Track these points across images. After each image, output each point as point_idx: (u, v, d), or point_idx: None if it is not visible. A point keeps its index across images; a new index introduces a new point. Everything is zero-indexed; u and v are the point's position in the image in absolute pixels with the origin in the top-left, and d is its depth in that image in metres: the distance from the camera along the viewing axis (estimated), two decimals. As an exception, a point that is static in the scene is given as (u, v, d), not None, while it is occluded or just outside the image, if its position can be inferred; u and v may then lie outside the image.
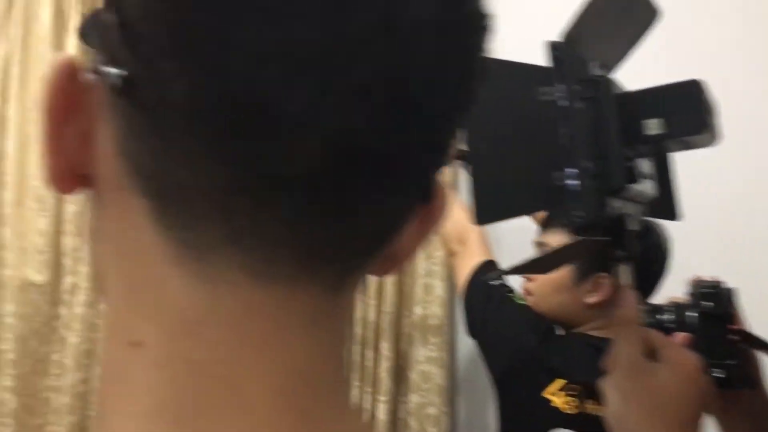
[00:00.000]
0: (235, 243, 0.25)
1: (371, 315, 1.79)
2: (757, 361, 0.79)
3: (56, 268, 1.84)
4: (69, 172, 0.28)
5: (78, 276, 1.79)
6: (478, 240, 1.49)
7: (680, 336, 0.78)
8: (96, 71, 0.26)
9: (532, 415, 1.24)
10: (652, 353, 0.62)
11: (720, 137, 0.58)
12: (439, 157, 0.29)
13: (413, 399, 1.77)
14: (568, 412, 1.18)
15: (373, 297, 1.79)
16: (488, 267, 1.43)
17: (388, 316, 1.77)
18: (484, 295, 1.39)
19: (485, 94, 0.29)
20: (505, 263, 1.46)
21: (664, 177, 0.64)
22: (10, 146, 1.87)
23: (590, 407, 1.16)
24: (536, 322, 1.31)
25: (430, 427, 1.73)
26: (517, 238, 1.37)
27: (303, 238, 0.26)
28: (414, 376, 1.78)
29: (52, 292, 1.83)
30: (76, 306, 1.77)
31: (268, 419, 0.25)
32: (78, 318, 1.75)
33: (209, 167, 0.24)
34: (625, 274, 0.64)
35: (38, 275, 1.83)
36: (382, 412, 1.74)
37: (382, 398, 1.75)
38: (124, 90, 0.24)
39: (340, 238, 0.27)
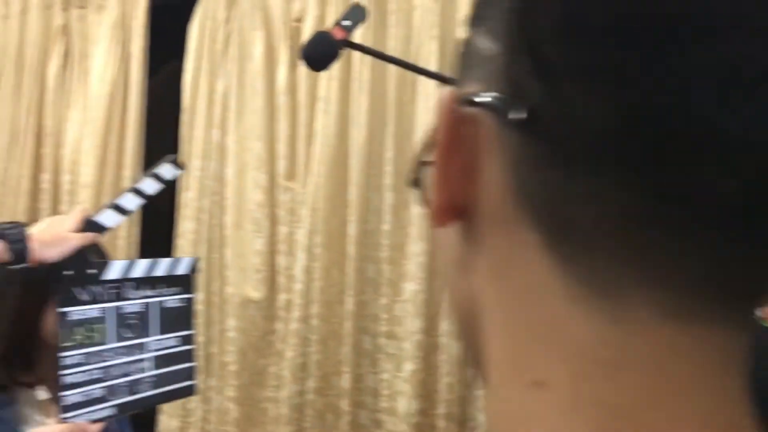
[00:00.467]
0: (650, 281, 0.23)
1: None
2: None
3: (271, 285, 1.96)
4: (450, 206, 0.27)
5: (292, 293, 1.90)
6: None
7: None
8: (483, 104, 0.25)
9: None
10: None
11: None
12: None
13: None
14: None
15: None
16: None
17: None
18: None
19: None
20: None
21: None
22: (230, 173, 2.04)
23: None
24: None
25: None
26: None
27: (726, 273, 0.23)
28: None
29: (268, 308, 1.96)
30: (292, 322, 1.87)
31: None
32: (293, 333, 1.86)
33: (622, 199, 0.23)
34: None
35: (255, 292, 1.97)
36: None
37: None
38: (524, 121, 0.23)
39: (759, 272, 0.24)
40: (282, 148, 1.97)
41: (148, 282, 1.20)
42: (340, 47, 1.22)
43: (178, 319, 1.26)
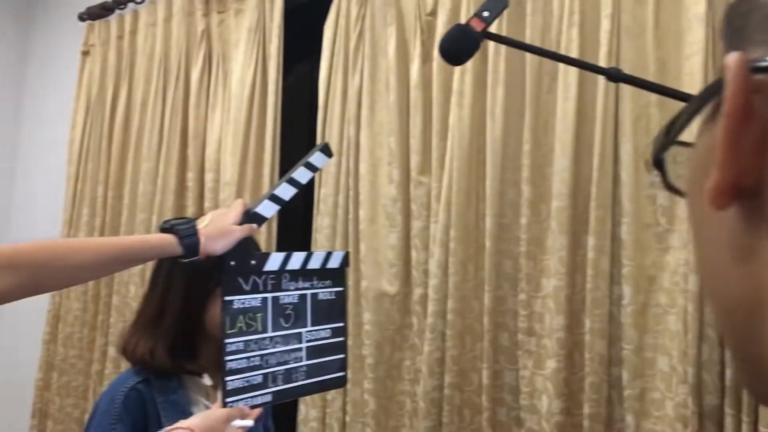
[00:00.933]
0: None
1: None
2: None
3: (406, 279, 1.97)
4: (737, 184, 0.25)
5: (427, 288, 1.89)
6: None
7: None
8: None
9: None
10: None
11: None
12: None
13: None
14: None
15: None
16: None
17: None
18: None
19: None
20: None
21: None
22: (363, 168, 2.06)
23: None
24: None
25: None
26: None
27: None
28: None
29: (403, 302, 1.97)
30: (427, 316, 1.87)
31: None
32: (429, 327, 1.85)
33: None
34: None
35: (390, 286, 1.98)
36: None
37: None
38: None
39: None
40: (415, 143, 1.97)
41: (303, 274, 1.24)
42: (479, 39, 1.19)
43: (330, 311, 1.29)
